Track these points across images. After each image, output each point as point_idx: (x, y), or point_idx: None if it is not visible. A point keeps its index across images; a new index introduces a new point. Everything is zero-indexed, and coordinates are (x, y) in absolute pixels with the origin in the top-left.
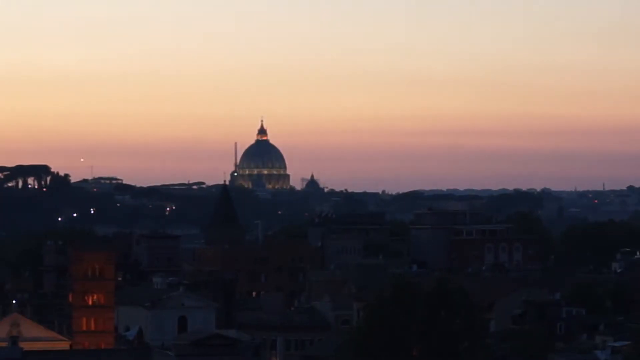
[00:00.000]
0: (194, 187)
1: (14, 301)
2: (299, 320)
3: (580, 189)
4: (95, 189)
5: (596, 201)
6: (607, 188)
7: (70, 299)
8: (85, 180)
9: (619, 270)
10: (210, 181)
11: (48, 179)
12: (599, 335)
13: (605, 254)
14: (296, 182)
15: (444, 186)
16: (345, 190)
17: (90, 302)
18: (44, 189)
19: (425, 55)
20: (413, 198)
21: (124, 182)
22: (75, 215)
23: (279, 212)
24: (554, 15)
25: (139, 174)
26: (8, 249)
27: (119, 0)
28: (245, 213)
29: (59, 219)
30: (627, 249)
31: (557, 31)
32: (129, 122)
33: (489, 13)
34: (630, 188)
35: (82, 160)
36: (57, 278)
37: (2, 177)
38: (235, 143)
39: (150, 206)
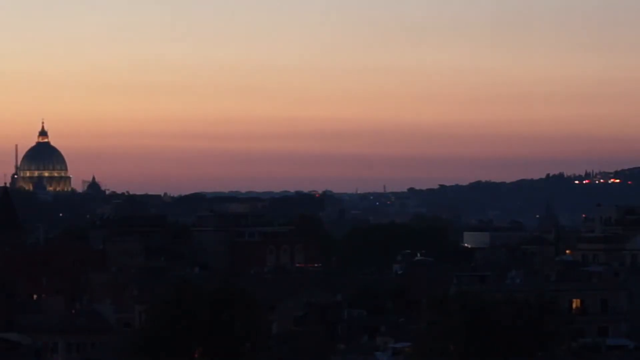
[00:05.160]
0: None
1: None
2: (80, 322)
3: (362, 191)
4: None
5: (377, 203)
6: (387, 190)
7: None
8: None
9: (399, 272)
10: None
11: None
12: (380, 336)
13: (386, 256)
14: (77, 184)
15: (226, 188)
16: (127, 192)
17: None
18: None
19: (205, 60)
20: (195, 200)
21: None
22: None
23: (61, 215)
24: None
25: None
26: None
27: None
28: (26, 216)
29: None
30: (408, 251)
31: (327, 35)
32: None
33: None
34: (411, 190)
35: None
36: None
37: None
38: (16, 145)
39: None
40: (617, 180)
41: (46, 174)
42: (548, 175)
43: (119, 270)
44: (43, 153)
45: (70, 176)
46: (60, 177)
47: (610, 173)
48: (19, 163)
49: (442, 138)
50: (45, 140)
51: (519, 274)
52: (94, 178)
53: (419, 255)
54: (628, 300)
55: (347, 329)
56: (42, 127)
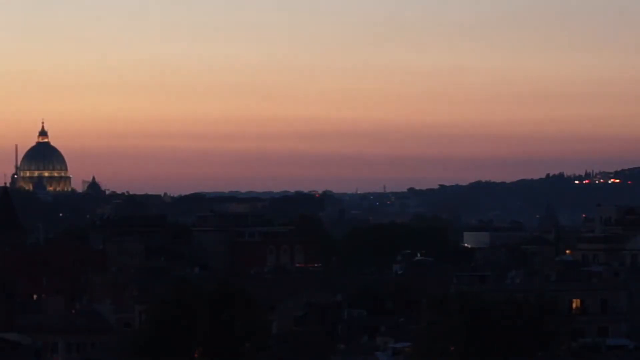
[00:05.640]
0: None
1: None
2: (80, 322)
3: (362, 191)
4: None
5: (377, 203)
6: (387, 190)
7: None
8: None
9: (399, 272)
10: None
11: None
12: (380, 336)
13: (386, 256)
14: (77, 184)
15: (226, 188)
16: (127, 192)
17: None
18: None
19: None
20: (195, 200)
21: None
22: None
23: (61, 215)
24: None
25: None
26: None
27: None
28: (26, 216)
29: None
30: (408, 251)
31: (326, 35)
32: None
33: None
34: (411, 190)
35: None
36: None
37: None
38: (16, 145)
39: None
40: (617, 180)
41: (46, 174)
42: (548, 175)
43: (119, 270)
44: (43, 153)
45: (70, 176)
46: (60, 177)
47: (610, 173)
48: (19, 163)
49: (442, 138)
50: (45, 140)
51: (519, 274)
52: (94, 178)
53: (419, 255)
54: (628, 300)
55: (347, 329)
56: (42, 127)
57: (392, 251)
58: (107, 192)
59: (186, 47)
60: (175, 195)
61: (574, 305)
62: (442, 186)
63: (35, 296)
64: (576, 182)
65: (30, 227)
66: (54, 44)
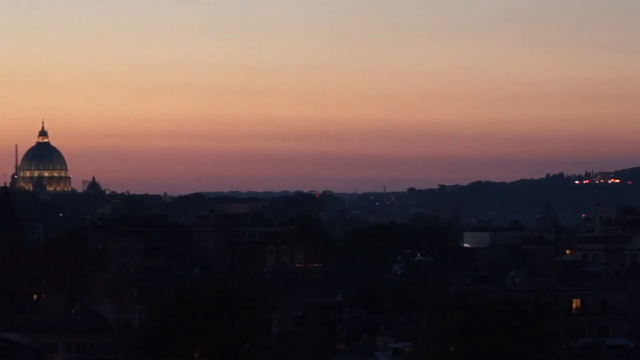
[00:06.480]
0: None
1: None
2: (80, 323)
3: (362, 191)
4: None
5: (377, 203)
6: (387, 190)
7: None
8: None
9: (399, 272)
10: None
11: None
12: (380, 336)
13: (386, 256)
14: (77, 184)
15: (226, 188)
16: (127, 192)
17: None
18: None
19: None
20: (195, 200)
21: None
22: None
23: (61, 215)
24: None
25: None
26: None
27: None
28: (26, 216)
29: None
30: (408, 251)
31: (326, 35)
32: None
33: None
34: (411, 190)
35: None
36: None
37: None
38: (16, 145)
39: None
40: (617, 180)
41: (46, 174)
42: (548, 175)
43: (119, 270)
44: (43, 153)
45: (70, 176)
46: (60, 177)
47: (610, 173)
48: (19, 163)
49: (442, 138)
50: (45, 140)
51: (519, 274)
52: (94, 178)
53: (419, 255)
54: (628, 300)
55: (347, 328)
56: (42, 127)
57: (392, 251)
58: (107, 192)
59: (186, 47)
60: (175, 195)
61: (574, 305)
62: (442, 186)
63: (35, 296)
64: (576, 182)
65: (30, 227)
66: (54, 44)
